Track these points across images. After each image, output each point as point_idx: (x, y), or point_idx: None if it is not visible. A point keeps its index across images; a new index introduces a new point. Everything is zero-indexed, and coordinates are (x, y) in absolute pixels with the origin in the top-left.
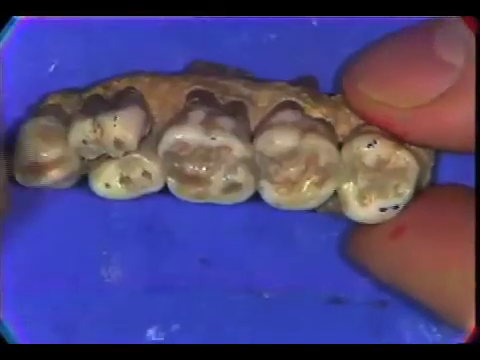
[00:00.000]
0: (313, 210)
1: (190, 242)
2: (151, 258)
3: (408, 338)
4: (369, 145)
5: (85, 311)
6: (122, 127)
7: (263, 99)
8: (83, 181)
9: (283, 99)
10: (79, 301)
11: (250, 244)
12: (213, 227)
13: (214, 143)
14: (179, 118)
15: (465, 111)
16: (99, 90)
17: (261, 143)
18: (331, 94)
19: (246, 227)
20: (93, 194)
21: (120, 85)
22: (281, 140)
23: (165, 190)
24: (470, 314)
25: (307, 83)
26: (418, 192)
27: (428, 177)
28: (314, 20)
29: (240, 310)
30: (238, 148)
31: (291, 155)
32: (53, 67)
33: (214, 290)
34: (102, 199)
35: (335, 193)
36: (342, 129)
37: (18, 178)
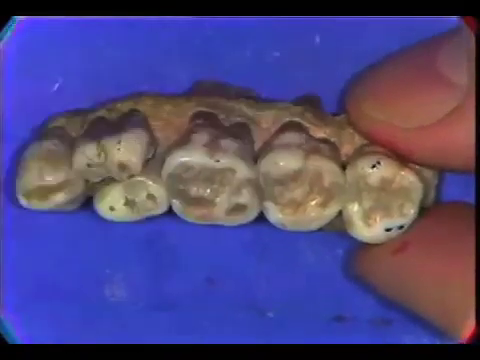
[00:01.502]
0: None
1: (194, 260)
2: (155, 277)
3: None
4: (373, 166)
5: (89, 330)
6: (126, 151)
7: (267, 120)
8: (87, 204)
9: (287, 119)
10: (83, 320)
11: (254, 262)
12: (217, 246)
13: (218, 165)
14: (183, 140)
15: (470, 130)
16: (103, 112)
17: (265, 165)
18: (335, 114)
19: (250, 245)
20: (97, 217)
21: (123, 107)
22: (285, 162)
23: (170, 212)
24: (469, 318)
25: (310, 102)
26: (422, 210)
27: (432, 196)
28: (317, 37)
29: (244, 329)
30: (242, 170)
31: (295, 176)
32: (57, 86)
33: (218, 308)
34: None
35: (340, 212)
36: (346, 149)
37: (22, 202)
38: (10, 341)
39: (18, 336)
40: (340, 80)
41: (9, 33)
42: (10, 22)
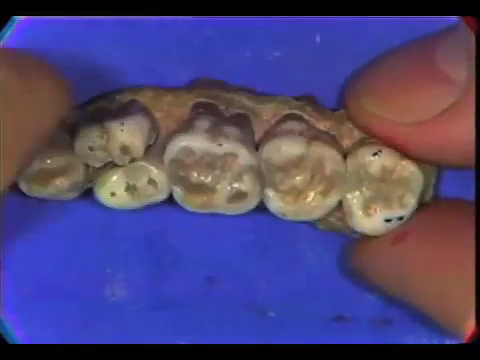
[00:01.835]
0: (316, 225)
1: (194, 260)
2: (155, 276)
3: None
4: (374, 154)
5: (89, 329)
6: (129, 133)
7: (267, 112)
8: (87, 195)
9: (287, 112)
10: (83, 320)
11: (254, 262)
12: (217, 245)
13: (220, 150)
14: (185, 126)
15: (468, 126)
16: (102, 103)
17: (268, 150)
18: (334, 109)
19: (250, 245)
20: (97, 206)
21: (124, 98)
22: (288, 147)
23: (170, 200)
24: (469, 317)
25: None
26: (421, 206)
27: (430, 193)
28: (318, 37)
29: (244, 328)
30: (244, 155)
31: (297, 163)
32: None
33: (218, 308)
34: (107, 213)
35: (338, 206)
36: (345, 143)
37: (23, 187)
38: (10, 341)
39: (18, 336)
40: (340, 80)
41: (9, 33)
42: (10, 22)
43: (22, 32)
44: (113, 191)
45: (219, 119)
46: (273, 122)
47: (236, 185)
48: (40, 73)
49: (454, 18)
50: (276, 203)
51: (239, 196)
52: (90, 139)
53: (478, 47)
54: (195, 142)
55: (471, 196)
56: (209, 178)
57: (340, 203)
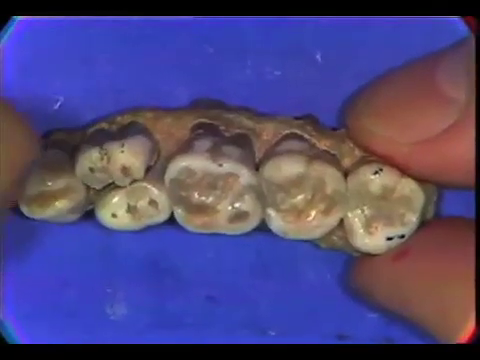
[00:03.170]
0: (318, 244)
1: (196, 279)
2: (156, 295)
3: None
4: (375, 172)
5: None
6: (129, 154)
7: (267, 132)
8: (88, 217)
9: (287, 131)
10: (83, 338)
11: (256, 282)
12: (219, 265)
13: (221, 170)
14: (185, 147)
15: (469, 145)
16: (103, 125)
17: (268, 170)
18: (334, 129)
19: (251, 265)
20: (98, 228)
21: (124, 120)
22: (288, 166)
23: (171, 221)
24: (468, 331)
25: (310, 119)
26: (422, 224)
27: (432, 211)
28: (318, 55)
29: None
30: (245, 175)
31: (298, 182)
32: (58, 104)
33: (220, 327)
34: (108, 232)
35: (340, 224)
36: (346, 163)
37: (24, 210)
38: (10, 341)
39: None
40: (341, 99)
41: (9, 33)
42: (10, 22)
43: (22, 32)
44: (114, 212)
45: (219, 139)
46: (273, 142)
47: (237, 205)
48: (7, 120)
49: (454, 18)
50: (277, 222)
51: (240, 216)
52: (90, 160)
53: (478, 47)
54: (196, 162)
55: (472, 215)
56: (210, 198)
57: (341, 222)
